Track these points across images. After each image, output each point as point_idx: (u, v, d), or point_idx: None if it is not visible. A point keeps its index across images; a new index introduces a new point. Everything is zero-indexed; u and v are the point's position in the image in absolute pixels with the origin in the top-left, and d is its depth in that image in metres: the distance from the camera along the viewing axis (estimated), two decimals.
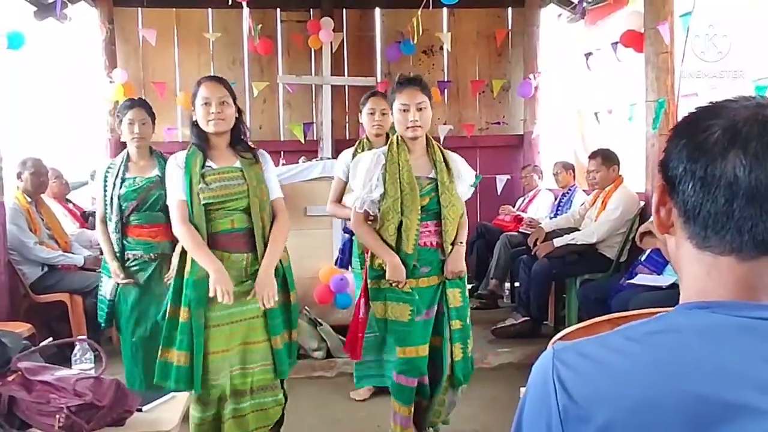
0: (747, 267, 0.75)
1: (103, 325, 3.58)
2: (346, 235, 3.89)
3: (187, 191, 2.79)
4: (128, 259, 3.45)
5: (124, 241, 3.43)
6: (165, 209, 3.35)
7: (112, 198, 3.40)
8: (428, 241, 2.96)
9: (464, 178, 3.08)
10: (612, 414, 0.72)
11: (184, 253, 2.83)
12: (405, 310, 2.93)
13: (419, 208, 2.90)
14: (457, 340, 3.00)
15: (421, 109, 2.90)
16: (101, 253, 4.92)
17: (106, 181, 3.45)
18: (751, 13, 4.36)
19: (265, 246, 2.84)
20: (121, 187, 3.41)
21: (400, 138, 2.98)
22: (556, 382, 0.77)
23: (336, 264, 4.08)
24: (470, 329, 3.09)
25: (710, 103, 0.81)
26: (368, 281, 2.99)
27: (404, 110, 2.90)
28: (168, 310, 2.82)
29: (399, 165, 2.91)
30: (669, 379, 0.71)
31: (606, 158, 4.77)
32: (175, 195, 2.81)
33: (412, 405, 3.06)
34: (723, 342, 0.72)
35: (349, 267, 3.98)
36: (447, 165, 3.00)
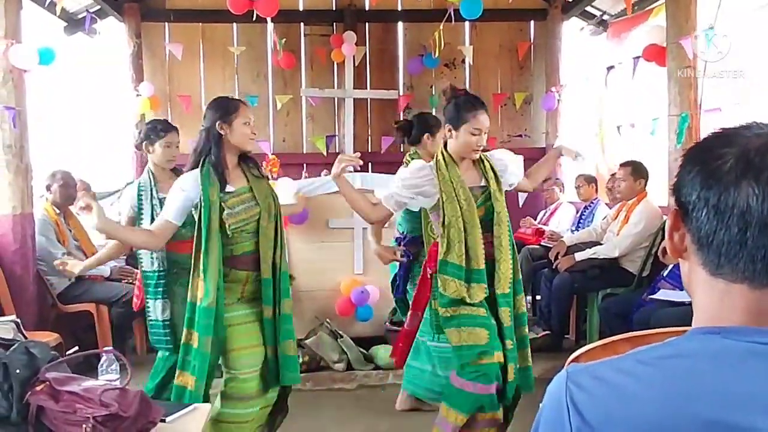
0: (759, 294, 0.76)
1: (171, 348, 3.41)
2: (403, 260, 3.69)
3: (206, 218, 2.74)
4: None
5: (171, 258, 3.41)
6: (192, 224, 3.42)
7: (153, 219, 3.41)
8: (485, 253, 2.91)
9: (512, 165, 3.12)
10: None
11: (195, 277, 2.80)
12: (482, 334, 2.83)
13: (478, 221, 2.87)
14: (512, 360, 2.89)
15: (485, 133, 2.95)
16: (127, 264, 5.05)
17: (140, 200, 3.48)
18: (753, 15, 4.35)
19: (273, 267, 2.85)
20: (160, 207, 3.42)
21: (447, 155, 2.95)
22: (570, 404, 0.78)
23: (393, 293, 3.87)
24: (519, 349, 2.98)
25: (722, 129, 0.82)
26: (439, 308, 2.89)
27: (475, 134, 2.90)
28: (183, 335, 2.81)
29: (452, 183, 2.88)
30: (680, 403, 0.72)
31: (636, 170, 4.72)
32: (166, 215, 2.83)
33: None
34: (734, 367, 0.73)
35: (406, 295, 3.74)
36: (493, 171, 2.99)
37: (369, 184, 4.67)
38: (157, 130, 3.57)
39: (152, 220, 3.44)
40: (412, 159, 3.72)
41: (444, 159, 2.94)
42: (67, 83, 6.57)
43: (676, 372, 0.75)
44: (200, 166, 2.82)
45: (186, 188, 2.80)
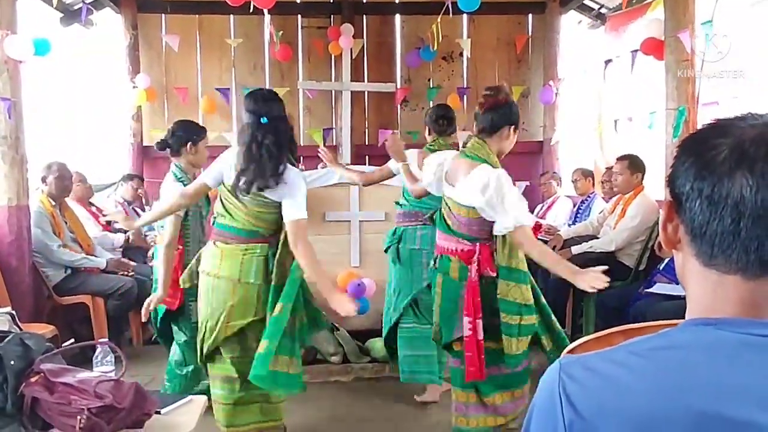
0: (752, 285, 0.76)
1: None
2: None
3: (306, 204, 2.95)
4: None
5: None
6: None
7: (201, 218, 3.59)
8: None
9: None
10: (617, 429, 0.73)
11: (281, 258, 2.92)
12: (527, 341, 2.98)
13: None
14: (542, 333, 3.09)
15: None
16: (123, 256, 5.05)
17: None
18: (750, 10, 4.35)
19: None
20: (206, 207, 3.55)
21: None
22: (562, 395, 0.78)
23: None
24: None
25: (718, 120, 0.81)
26: (504, 314, 2.88)
27: None
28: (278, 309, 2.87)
29: None
30: (674, 394, 0.72)
31: (633, 164, 4.72)
32: (303, 213, 2.88)
33: None
34: (727, 358, 0.73)
35: None
36: None
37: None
38: (198, 130, 3.65)
39: (201, 219, 3.59)
40: (434, 149, 3.74)
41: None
42: (63, 75, 6.55)
43: (669, 363, 0.75)
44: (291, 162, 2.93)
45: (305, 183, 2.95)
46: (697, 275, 0.80)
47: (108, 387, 1.98)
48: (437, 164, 3.02)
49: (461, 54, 7.11)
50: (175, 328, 3.59)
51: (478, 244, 2.90)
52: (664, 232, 0.84)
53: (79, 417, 1.91)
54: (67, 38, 6.21)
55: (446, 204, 3.01)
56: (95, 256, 4.79)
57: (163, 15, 6.90)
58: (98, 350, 2.34)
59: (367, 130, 7.16)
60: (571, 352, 1.39)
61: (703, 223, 0.77)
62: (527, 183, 6.85)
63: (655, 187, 4.85)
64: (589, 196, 5.67)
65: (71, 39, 6.33)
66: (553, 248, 4.86)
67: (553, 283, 4.74)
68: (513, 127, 2.94)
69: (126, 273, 4.80)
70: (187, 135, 3.59)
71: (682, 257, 0.83)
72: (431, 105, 6.06)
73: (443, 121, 3.90)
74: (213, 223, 3.03)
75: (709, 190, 0.76)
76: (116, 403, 1.94)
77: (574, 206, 5.83)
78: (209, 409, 2.71)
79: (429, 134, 3.97)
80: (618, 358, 0.78)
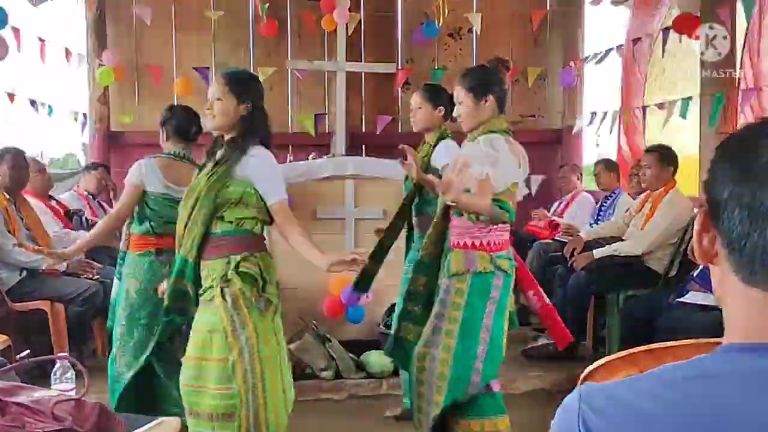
0: None
1: None
2: None
3: None
4: None
5: None
6: None
7: None
8: None
9: None
10: None
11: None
12: None
13: None
14: None
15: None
16: (87, 256, 5.03)
17: None
18: None
19: None
20: None
21: None
22: (582, 428, 0.77)
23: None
24: None
25: (763, 120, 0.81)
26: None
27: None
28: None
29: None
30: (706, 431, 0.71)
31: (664, 156, 4.70)
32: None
33: None
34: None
35: None
36: None
37: (342, 169, 4.65)
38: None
39: None
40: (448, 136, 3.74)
41: None
42: (22, 49, 6.52)
43: (703, 395, 0.74)
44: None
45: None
46: (735, 293, 0.79)
47: (68, 408, 1.98)
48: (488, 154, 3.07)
49: (470, 30, 7.11)
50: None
51: None
52: (698, 244, 0.84)
53: None
54: (28, 11, 6.19)
55: (510, 191, 3.13)
56: None
57: None
58: (57, 365, 2.33)
59: (363, 115, 7.17)
60: (592, 372, 1.39)
61: (742, 236, 0.76)
62: (543, 176, 6.85)
63: (688, 182, 4.85)
64: (613, 192, 5.67)
65: (32, 11, 6.32)
66: (573, 251, 4.86)
67: (572, 291, 4.75)
68: None
69: (90, 276, 4.79)
70: (199, 123, 3.75)
71: (719, 272, 0.82)
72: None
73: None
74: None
75: (749, 197, 0.75)
76: (77, 427, 1.93)
77: (597, 203, 5.83)
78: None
79: (444, 117, 3.83)
80: (644, 388, 0.77)
